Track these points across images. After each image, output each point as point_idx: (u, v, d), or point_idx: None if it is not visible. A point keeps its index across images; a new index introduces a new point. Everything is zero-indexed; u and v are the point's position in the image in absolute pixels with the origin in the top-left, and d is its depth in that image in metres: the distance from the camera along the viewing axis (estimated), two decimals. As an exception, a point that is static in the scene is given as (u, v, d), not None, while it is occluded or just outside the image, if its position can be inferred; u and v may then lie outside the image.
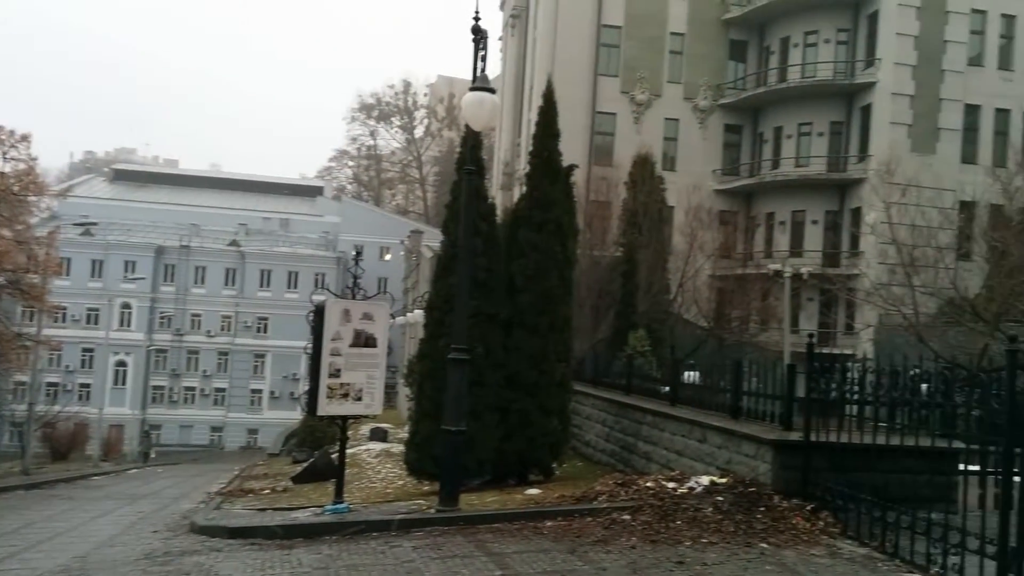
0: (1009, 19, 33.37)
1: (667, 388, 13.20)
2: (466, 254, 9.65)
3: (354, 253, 11.97)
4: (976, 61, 33.08)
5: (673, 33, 36.77)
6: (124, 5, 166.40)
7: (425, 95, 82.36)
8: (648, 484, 9.43)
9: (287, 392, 61.20)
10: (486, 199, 13.60)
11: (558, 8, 36.29)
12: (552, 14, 36.47)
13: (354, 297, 10.69)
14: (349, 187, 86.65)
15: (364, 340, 10.36)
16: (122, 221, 62.93)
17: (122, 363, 60.77)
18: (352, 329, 10.29)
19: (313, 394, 10.34)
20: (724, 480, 9.04)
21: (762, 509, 8.26)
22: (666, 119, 36.64)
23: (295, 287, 62.65)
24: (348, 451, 12.25)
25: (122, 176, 77.28)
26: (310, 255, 65.36)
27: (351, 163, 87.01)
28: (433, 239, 35.63)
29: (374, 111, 79.90)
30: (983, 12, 32.96)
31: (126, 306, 60.77)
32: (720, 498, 8.57)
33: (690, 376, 13.34)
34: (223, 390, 62.85)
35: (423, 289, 28.23)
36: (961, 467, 7.48)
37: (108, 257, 60.88)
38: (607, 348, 22.95)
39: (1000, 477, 5.94)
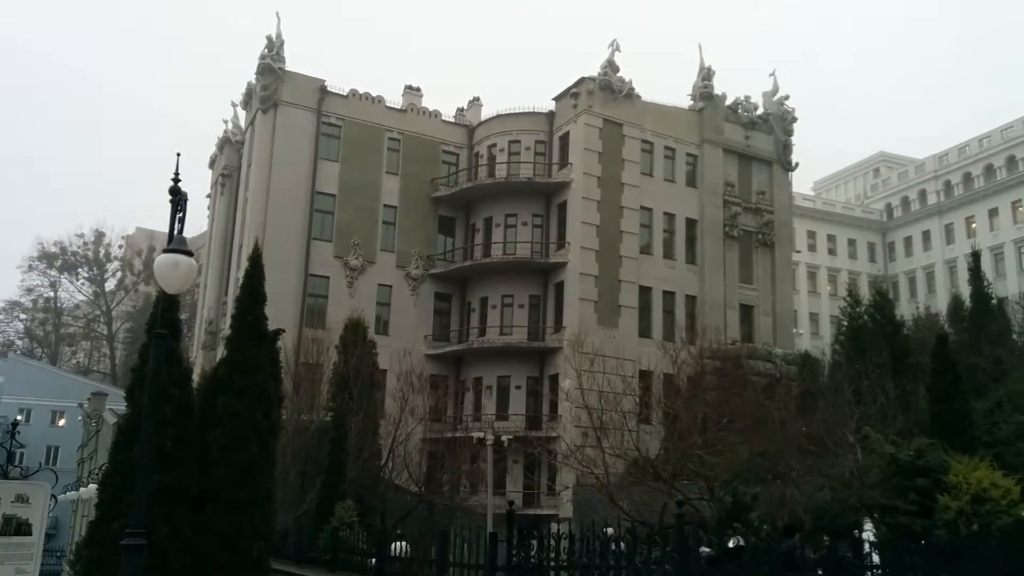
0: (670, 216, 39.26)
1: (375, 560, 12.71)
2: (150, 425, 8.77)
3: (12, 422, 10.32)
4: (646, 249, 38.19)
5: (386, 205, 38.71)
6: None
7: (120, 247, 76.93)
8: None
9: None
10: (181, 362, 12.66)
11: (271, 173, 36.59)
12: (265, 178, 36.60)
13: (6, 475, 9.18)
14: (19, 342, 76.54)
15: (15, 527, 8.86)
16: None
17: None
18: (1, 515, 8.77)
19: (-61, 598, 8.50)
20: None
21: None
22: (379, 284, 37.70)
23: (-64, 462, 52.53)
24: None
25: None
26: (-39, 422, 55.69)
27: (24, 316, 77.37)
28: (119, 402, 32.18)
29: (57, 260, 72.65)
30: (649, 209, 38.51)
31: None
32: None
33: (400, 546, 13.00)
34: None
35: (103, 459, 25.09)
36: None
37: None
38: (313, 519, 21.73)
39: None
